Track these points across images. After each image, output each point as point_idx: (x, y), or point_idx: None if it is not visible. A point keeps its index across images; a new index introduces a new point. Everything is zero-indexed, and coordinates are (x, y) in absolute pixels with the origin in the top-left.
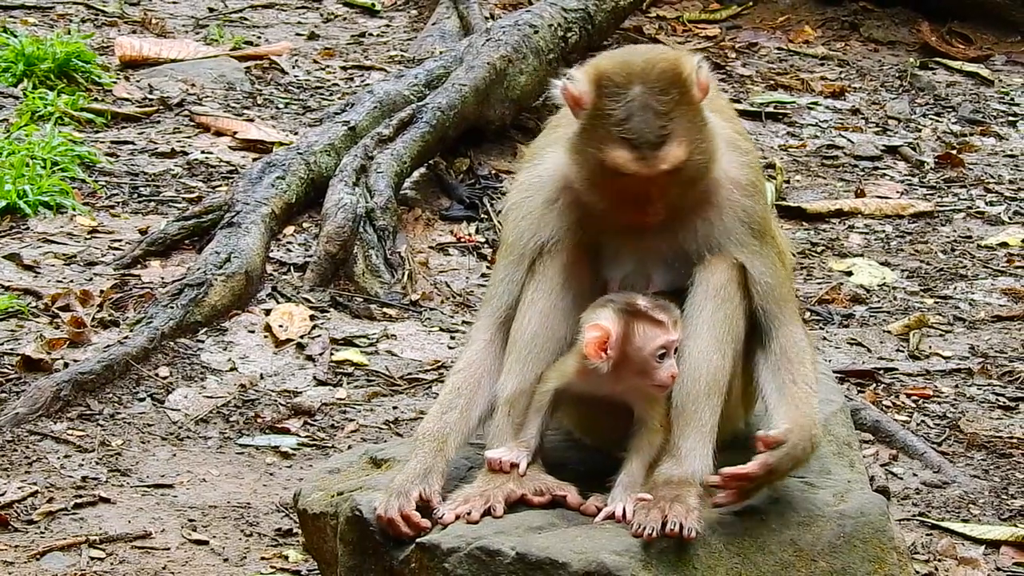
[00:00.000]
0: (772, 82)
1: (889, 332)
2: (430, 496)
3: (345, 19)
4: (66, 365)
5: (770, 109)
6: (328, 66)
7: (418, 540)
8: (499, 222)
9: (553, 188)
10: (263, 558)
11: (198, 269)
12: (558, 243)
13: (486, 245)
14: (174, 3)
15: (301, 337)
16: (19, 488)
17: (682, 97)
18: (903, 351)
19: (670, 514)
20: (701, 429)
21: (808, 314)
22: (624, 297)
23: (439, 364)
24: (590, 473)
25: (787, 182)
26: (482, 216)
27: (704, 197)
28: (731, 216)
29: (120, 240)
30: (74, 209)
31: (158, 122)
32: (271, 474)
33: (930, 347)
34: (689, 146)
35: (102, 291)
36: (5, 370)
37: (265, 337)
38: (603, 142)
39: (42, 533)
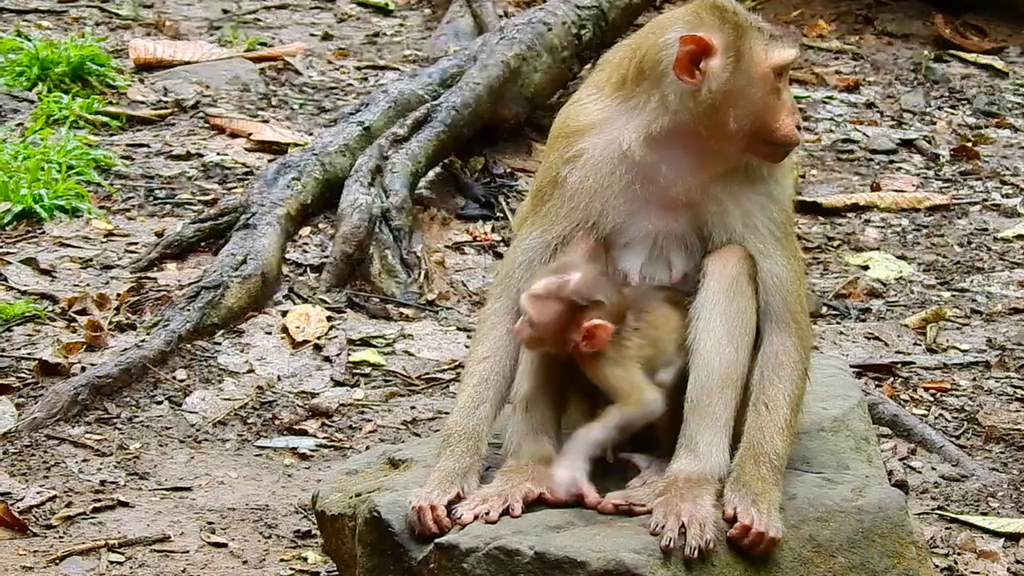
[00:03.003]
0: None
1: (906, 326)
2: (467, 496)
3: (359, 19)
4: (83, 369)
5: None
6: (342, 66)
7: (436, 540)
8: (510, 215)
9: (617, 161)
10: (282, 560)
11: (214, 271)
12: (582, 233)
13: (502, 244)
14: (188, 5)
15: (318, 338)
16: (38, 493)
17: None
18: (920, 345)
19: (688, 524)
20: (715, 423)
21: (825, 309)
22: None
23: (456, 364)
24: (607, 471)
25: (803, 177)
26: (498, 215)
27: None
28: (767, 194)
29: (136, 243)
30: (90, 213)
31: (173, 124)
32: (289, 476)
33: (947, 340)
34: None
35: (119, 294)
36: (23, 375)
37: (282, 338)
38: (763, 54)
39: (61, 538)
